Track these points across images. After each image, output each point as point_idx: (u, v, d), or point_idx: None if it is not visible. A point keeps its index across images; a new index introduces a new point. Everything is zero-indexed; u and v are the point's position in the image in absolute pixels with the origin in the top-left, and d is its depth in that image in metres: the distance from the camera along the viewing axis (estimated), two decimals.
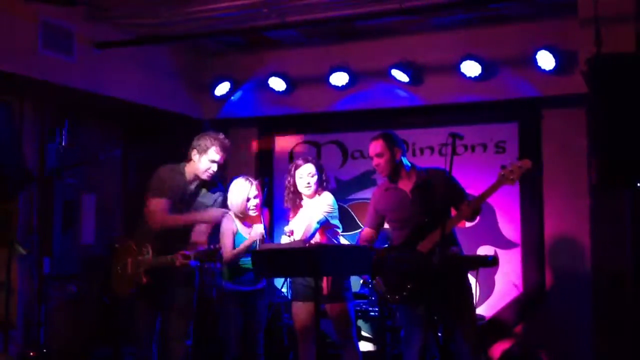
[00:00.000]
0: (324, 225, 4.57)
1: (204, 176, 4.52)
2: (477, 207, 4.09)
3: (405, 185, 4.34)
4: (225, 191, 4.73)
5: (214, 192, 4.65)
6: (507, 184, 3.98)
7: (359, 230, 6.23)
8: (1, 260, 5.01)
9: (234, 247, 4.70)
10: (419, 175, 4.34)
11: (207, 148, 4.50)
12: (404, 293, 4.19)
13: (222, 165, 4.59)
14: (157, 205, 4.47)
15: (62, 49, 5.28)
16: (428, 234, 4.12)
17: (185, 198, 4.54)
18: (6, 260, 4.95)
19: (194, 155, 4.54)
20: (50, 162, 5.69)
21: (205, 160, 4.50)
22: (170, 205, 4.48)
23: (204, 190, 4.63)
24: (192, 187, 4.59)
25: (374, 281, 4.36)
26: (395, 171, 4.34)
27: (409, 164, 4.40)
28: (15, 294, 5.42)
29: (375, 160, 4.36)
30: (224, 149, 4.53)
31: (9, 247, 5.02)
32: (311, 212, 4.58)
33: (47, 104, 5.86)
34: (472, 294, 4.34)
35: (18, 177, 5.15)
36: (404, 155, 4.39)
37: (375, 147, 4.34)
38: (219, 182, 4.76)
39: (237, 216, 4.77)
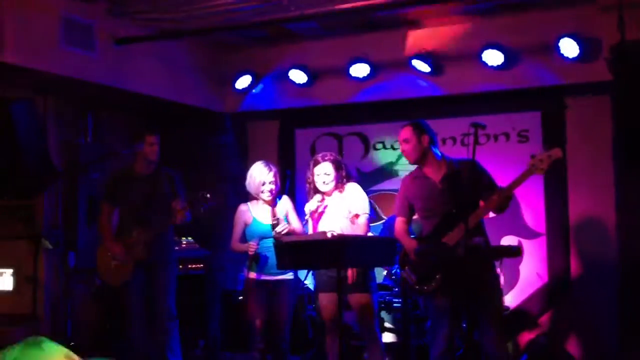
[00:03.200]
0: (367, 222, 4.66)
1: (153, 157, 4.93)
2: (505, 197, 4.06)
3: (435, 174, 4.32)
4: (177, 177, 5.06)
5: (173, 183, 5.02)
6: (537, 174, 3.94)
7: (382, 221, 6.25)
8: (28, 255, 5.08)
9: (243, 238, 4.86)
10: (450, 165, 4.30)
11: (142, 135, 4.90)
12: (433, 284, 4.19)
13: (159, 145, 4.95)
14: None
15: (83, 44, 5.33)
16: (456, 225, 4.10)
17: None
18: (33, 255, 5.02)
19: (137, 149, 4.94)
20: (74, 157, 5.75)
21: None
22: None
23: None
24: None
25: (403, 271, 4.36)
26: (421, 158, 4.32)
27: (440, 154, 4.37)
28: (42, 288, 5.50)
29: (402, 146, 4.36)
30: (154, 131, 4.95)
31: (36, 242, 5.09)
32: (344, 210, 4.62)
33: (69, 100, 5.93)
34: (499, 285, 4.31)
35: (43, 174, 5.21)
36: (434, 145, 4.35)
37: (403, 133, 4.35)
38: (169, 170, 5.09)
39: (253, 204, 4.82)
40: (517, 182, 4.00)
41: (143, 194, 4.89)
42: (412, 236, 4.42)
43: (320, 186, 4.66)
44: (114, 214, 5.03)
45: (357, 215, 4.65)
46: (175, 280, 5.02)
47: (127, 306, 4.90)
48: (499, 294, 4.32)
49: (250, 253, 4.72)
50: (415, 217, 4.50)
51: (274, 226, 4.65)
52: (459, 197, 4.14)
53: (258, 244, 4.73)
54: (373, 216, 4.77)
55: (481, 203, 4.18)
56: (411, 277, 4.31)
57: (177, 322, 4.96)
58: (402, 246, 4.36)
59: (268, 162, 4.87)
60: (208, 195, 4.79)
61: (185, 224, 4.99)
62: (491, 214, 5.62)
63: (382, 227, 6.05)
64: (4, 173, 4.94)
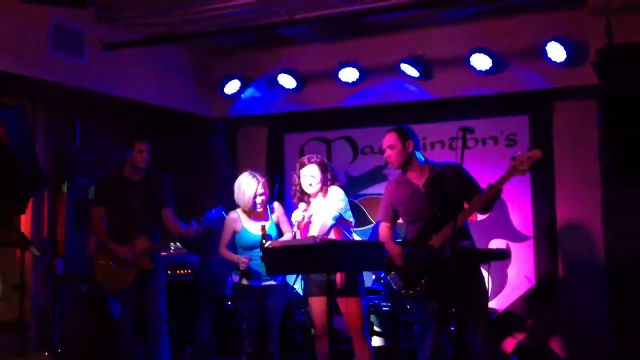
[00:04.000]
0: (339, 220, 4.59)
1: (142, 165, 4.97)
2: (489, 199, 4.07)
3: (418, 179, 4.34)
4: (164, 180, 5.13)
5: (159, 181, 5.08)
6: (517, 175, 3.97)
7: (371, 225, 6.26)
8: (15, 262, 5.06)
9: (231, 244, 4.91)
10: (433, 169, 4.33)
11: (132, 142, 4.94)
12: (418, 288, 4.21)
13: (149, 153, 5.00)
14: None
15: (72, 50, 5.32)
16: (441, 228, 4.12)
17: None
18: (20, 262, 5.00)
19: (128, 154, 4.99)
20: (62, 163, 5.73)
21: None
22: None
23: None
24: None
25: (390, 276, 4.36)
26: (405, 164, 4.34)
27: (423, 159, 4.40)
28: (29, 295, 5.47)
29: (387, 152, 4.38)
30: (144, 138, 4.99)
31: (23, 248, 5.06)
32: (324, 210, 4.59)
33: (59, 106, 5.91)
34: (485, 288, 4.32)
35: (32, 179, 5.19)
36: (417, 150, 4.38)
37: (388, 139, 4.37)
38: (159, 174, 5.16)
39: (244, 212, 4.82)
40: (499, 183, 4.01)
41: (139, 200, 4.90)
42: (397, 240, 4.43)
43: (306, 188, 4.66)
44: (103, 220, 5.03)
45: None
46: (165, 285, 5.02)
47: (120, 315, 4.90)
48: (485, 296, 4.33)
49: (242, 268, 4.71)
50: (399, 221, 4.52)
51: (262, 244, 4.62)
52: (443, 199, 4.16)
53: (250, 259, 4.73)
54: (350, 221, 4.72)
55: (465, 205, 4.20)
56: (397, 281, 4.32)
57: (167, 328, 4.96)
58: (387, 251, 4.36)
59: (254, 173, 4.87)
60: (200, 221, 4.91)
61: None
62: (479, 217, 5.67)
63: (371, 231, 6.06)
64: None
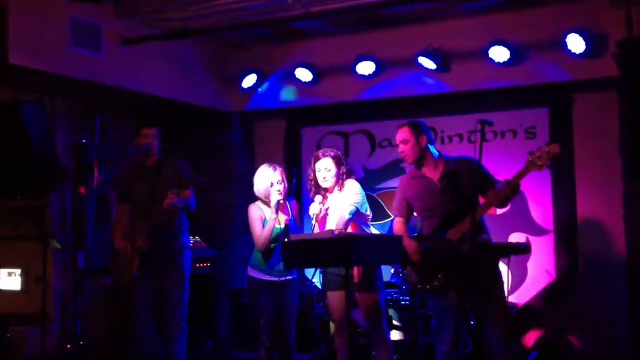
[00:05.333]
0: (356, 214, 4.58)
1: (151, 150, 4.93)
2: (507, 194, 4.05)
3: (433, 173, 4.32)
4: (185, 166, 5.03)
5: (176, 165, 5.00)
6: (535, 170, 3.92)
7: (389, 219, 6.25)
8: (37, 255, 5.11)
9: (249, 238, 4.82)
10: (447, 164, 4.31)
11: (139, 129, 4.94)
12: (435, 282, 4.20)
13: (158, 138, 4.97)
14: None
15: (91, 45, 5.35)
16: (457, 223, 4.10)
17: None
18: (42, 255, 5.05)
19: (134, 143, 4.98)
20: (82, 157, 5.77)
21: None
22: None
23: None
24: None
25: (405, 271, 4.35)
26: (420, 158, 4.33)
27: (437, 153, 4.38)
28: (51, 288, 5.53)
29: (401, 147, 4.37)
30: (149, 124, 4.96)
31: (44, 242, 5.11)
32: (340, 204, 4.58)
33: (78, 101, 5.95)
34: (502, 281, 4.30)
35: (51, 174, 5.23)
36: (431, 144, 4.37)
37: (401, 134, 4.36)
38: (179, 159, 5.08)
39: (263, 202, 4.82)
40: (516, 179, 3.99)
41: (146, 187, 4.89)
42: (413, 235, 4.42)
43: (321, 182, 4.65)
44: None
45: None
46: (186, 286, 4.94)
47: (133, 309, 4.89)
48: (502, 289, 4.30)
49: (279, 197, 4.68)
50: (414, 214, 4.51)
51: (284, 239, 4.59)
52: (458, 194, 4.14)
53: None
54: (367, 215, 4.70)
55: (481, 199, 4.18)
56: (412, 277, 4.32)
57: (185, 329, 4.90)
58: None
59: (272, 163, 4.87)
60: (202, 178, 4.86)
61: (191, 215, 5.00)
62: (499, 211, 5.64)
63: (389, 224, 6.05)
64: (15, 174, 4.97)
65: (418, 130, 4.32)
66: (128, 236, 4.87)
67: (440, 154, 4.38)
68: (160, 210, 4.75)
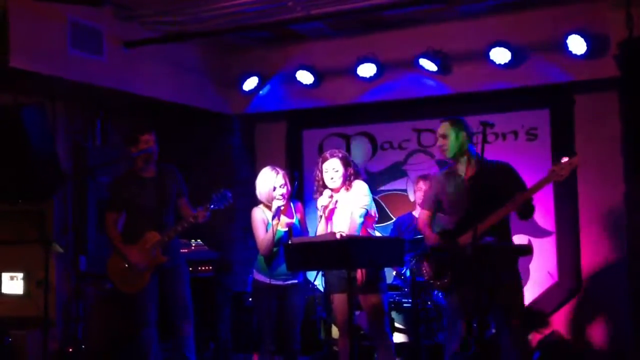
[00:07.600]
0: (366, 217, 4.59)
1: (152, 157, 4.89)
2: (525, 199, 4.07)
3: (466, 172, 4.34)
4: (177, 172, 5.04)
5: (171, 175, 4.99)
6: (556, 180, 4.01)
7: (391, 221, 6.24)
8: (39, 259, 5.11)
9: (250, 240, 4.87)
10: (482, 165, 4.27)
11: (137, 136, 4.85)
12: (445, 280, 4.27)
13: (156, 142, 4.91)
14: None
15: (91, 48, 5.35)
16: (472, 225, 4.09)
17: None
18: (44, 259, 5.05)
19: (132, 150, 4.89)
20: (83, 161, 5.77)
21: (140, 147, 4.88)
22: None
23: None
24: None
25: (423, 264, 4.44)
26: (457, 155, 4.35)
27: (476, 152, 4.37)
28: (53, 292, 5.53)
29: (440, 141, 4.41)
30: (148, 129, 4.90)
31: (46, 246, 5.11)
32: (350, 203, 4.58)
33: (78, 104, 5.95)
34: (518, 283, 4.28)
35: (52, 178, 5.22)
36: (471, 142, 4.38)
37: (441, 128, 4.40)
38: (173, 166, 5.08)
39: (266, 206, 4.80)
40: (535, 188, 4.05)
41: (154, 197, 4.87)
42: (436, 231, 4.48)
43: (328, 182, 4.64)
44: (119, 221, 5.01)
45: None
46: (189, 281, 5.00)
47: (143, 312, 4.84)
48: (518, 292, 4.28)
49: (280, 203, 4.68)
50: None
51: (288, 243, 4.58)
52: (486, 196, 4.12)
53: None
54: (375, 216, 4.71)
55: None
56: (428, 270, 4.37)
57: (192, 321, 4.94)
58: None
59: (274, 167, 4.85)
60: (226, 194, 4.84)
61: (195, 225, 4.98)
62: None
63: (392, 226, 6.05)
64: (16, 178, 4.96)
65: (459, 126, 4.34)
66: (134, 246, 4.81)
67: (478, 154, 4.35)
68: (169, 221, 4.83)
